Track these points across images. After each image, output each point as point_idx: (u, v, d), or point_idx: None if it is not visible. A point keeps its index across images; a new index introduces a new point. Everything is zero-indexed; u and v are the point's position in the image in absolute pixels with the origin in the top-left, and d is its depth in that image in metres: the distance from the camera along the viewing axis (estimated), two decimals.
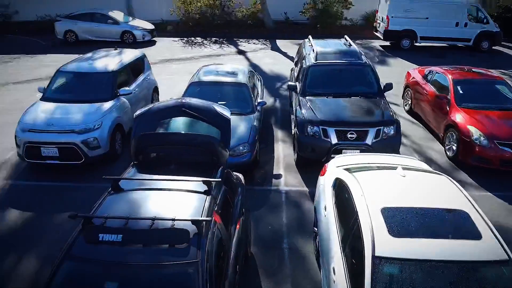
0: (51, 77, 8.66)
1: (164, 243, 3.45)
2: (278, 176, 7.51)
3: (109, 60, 9.01)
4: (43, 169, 7.47)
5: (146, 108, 5.39)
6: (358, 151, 7.11)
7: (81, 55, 9.77)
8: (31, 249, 5.57)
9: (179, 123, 6.81)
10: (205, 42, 19.16)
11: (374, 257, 3.53)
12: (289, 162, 7.98)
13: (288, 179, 7.43)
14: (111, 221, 3.57)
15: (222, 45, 18.56)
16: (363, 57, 9.08)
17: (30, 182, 7.22)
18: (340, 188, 4.85)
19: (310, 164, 7.46)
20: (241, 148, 7.06)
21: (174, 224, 3.53)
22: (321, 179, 5.61)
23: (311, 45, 9.59)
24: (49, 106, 7.76)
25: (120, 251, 3.39)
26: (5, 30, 21.23)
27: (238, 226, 4.66)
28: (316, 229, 5.38)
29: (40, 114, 7.51)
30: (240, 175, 5.75)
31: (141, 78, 9.63)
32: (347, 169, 5.05)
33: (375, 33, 18.72)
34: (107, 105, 7.85)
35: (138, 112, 5.32)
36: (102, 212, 3.77)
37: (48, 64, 14.32)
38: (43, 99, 8.05)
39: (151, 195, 4.12)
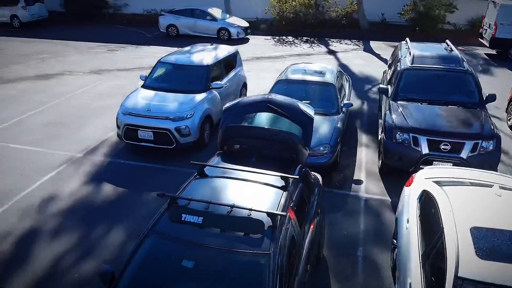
0: (152, 67, 9.40)
1: (240, 230, 3.57)
2: (359, 182, 7.29)
3: (205, 55, 9.51)
4: (138, 150, 8.16)
5: (235, 101, 5.59)
6: (451, 164, 6.60)
7: (180, 48, 10.46)
8: (120, 221, 6.14)
9: (263, 118, 6.95)
10: (296, 41, 19.23)
11: (456, 278, 3.28)
12: (371, 169, 7.70)
13: (369, 186, 7.18)
14: (194, 204, 3.79)
15: (313, 44, 18.47)
16: (465, 63, 8.38)
17: (125, 161, 7.94)
18: (426, 201, 4.57)
19: (395, 173, 7.12)
20: (321, 148, 6.98)
21: (250, 214, 3.64)
22: (406, 190, 5.33)
23: (408, 47, 9.10)
24: (149, 93, 8.43)
25: (199, 232, 3.59)
26: (115, 21, 23.60)
27: (312, 226, 4.63)
28: (395, 241, 5.13)
29: (140, 100, 8.20)
30: (318, 176, 5.69)
31: (232, 73, 10.00)
32: (436, 182, 4.74)
33: (480, 40, 17.14)
34: (200, 96, 8.30)
35: (227, 105, 5.54)
36: (187, 194, 4.01)
37: (150, 55, 15.54)
38: (144, 86, 8.77)
39: (231, 184, 4.28)
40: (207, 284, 3.48)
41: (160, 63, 9.24)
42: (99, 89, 12.11)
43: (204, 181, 4.37)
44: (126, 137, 7.95)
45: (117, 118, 8.11)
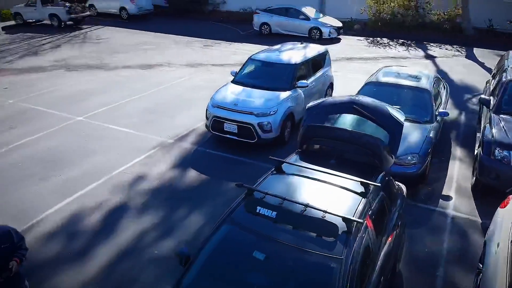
0: (242, 64, 9.69)
1: (313, 231, 3.53)
2: (448, 198, 6.75)
3: (293, 53, 9.55)
4: (222, 141, 8.49)
5: (319, 101, 5.52)
6: None
7: (271, 46, 10.62)
8: (200, 206, 6.44)
9: (347, 120, 6.76)
10: (391, 43, 18.38)
11: None
12: (463, 185, 7.08)
13: (458, 203, 6.61)
14: (269, 198, 3.84)
15: (409, 47, 17.48)
16: None
17: (210, 150, 8.31)
18: None
19: (489, 192, 6.46)
20: (409, 158, 6.60)
21: (325, 216, 3.57)
22: (500, 212, 4.82)
23: None
24: (237, 88, 8.71)
25: (272, 226, 3.63)
26: (212, 17, 24.75)
27: (390, 238, 4.41)
28: (480, 265, 4.66)
29: (228, 94, 8.51)
30: (403, 186, 5.39)
31: (319, 73, 9.90)
32: None
33: None
34: (285, 94, 8.36)
35: (311, 103, 5.49)
36: (263, 188, 4.07)
37: (242, 52, 16.01)
38: (233, 81, 9.08)
39: (308, 183, 4.25)
40: (276, 278, 3.50)
41: (250, 60, 9.49)
42: (193, 82, 12.82)
43: (281, 177, 4.40)
44: (213, 128, 8.31)
45: (206, 109, 8.52)
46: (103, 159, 7.85)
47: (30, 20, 22.55)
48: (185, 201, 6.60)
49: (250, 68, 9.37)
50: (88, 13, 22.97)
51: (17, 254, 3.84)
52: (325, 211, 3.60)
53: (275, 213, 3.65)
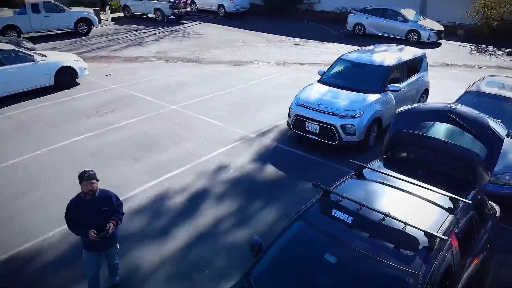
0: (331, 63, 9.55)
1: (391, 242, 3.38)
2: None
3: (387, 55, 9.16)
4: (302, 140, 8.48)
5: (411, 106, 5.25)
6: None
7: (363, 47, 10.31)
8: (275, 201, 6.52)
9: (440, 129, 6.31)
10: (497, 52, 16.73)
11: None
12: None
13: None
14: (346, 202, 3.75)
15: None
16: None
17: (290, 148, 8.36)
18: None
19: None
20: (507, 177, 5.98)
21: (405, 228, 3.40)
22: None
23: None
24: (323, 88, 8.62)
25: (346, 231, 3.54)
26: (306, 17, 24.75)
27: (476, 260, 4.05)
28: None
29: (313, 93, 8.46)
30: (497, 207, 4.91)
31: (414, 77, 9.38)
32: None
33: None
34: (373, 97, 8.07)
35: (401, 108, 5.24)
36: (340, 191, 3.99)
37: (332, 52, 15.77)
38: (320, 81, 9.00)
39: (390, 192, 4.07)
40: (346, 284, 3.43)
41: (340, 60, 9.32)
42: (279, 80, 12.97)
43: (360, 183, 4.27)
44: (295, 126, 8.34)
45: (290, 107, 8.57)
46: (191, 146, 8.33)
47: (137, 13, 24.69)
48: (262, 195, 6.74)
49: (339, 68, 9.20)
50: (188, 9, 24.48)
51: (115, 217, 4.30)
52: (406, 223, 3.42)
53: (351, 218, 3.56)
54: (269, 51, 16.91)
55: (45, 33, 18.75)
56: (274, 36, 19.80)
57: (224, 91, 11.75)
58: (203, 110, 10.25)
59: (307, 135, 8.16)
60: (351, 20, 20.23)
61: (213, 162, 7.74)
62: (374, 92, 8.17)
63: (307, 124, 8.05)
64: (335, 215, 3.63)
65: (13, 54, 10.73)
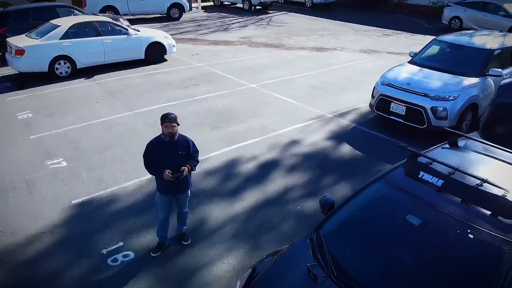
0: (424, 45, 8.84)
1: (487, 208, 2.92)
2: None
3: (489, 39, 8.23)
4: (384, 123, 7.95)
5: None
6: None
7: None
8: (349, 178, 6.14)
9: None
10: None
11: None
12: None
13: None
14: (437, 165, 3.32)
15: None
16: None
17: (369, 130, 7.89)
18: None
19: None
20: None
21: (506, 195, 2.91)
22: None
23: None
24: (413, 68, 7.98)
25: (434, 195, 3.14)
26: (397, 10, 23.49)
27: None
28: None
29: (402, 73, 7.87)
30: None
31: None
32: None
33: None
34: (470, 81, 7.28)
35: (506, 80, 4.60)
36: (431, 156, 3.56)
37: (423, 43, 14.67)
38: (411, 62, 8.35)
39: (487, 161, 3.55)
40: (430, 247, 3.03)
41: (435, 41, 8.59)
42: (363, 66, 12.39)
43: (454, 150, 3.79)
44: (378, 107, 7.83)
45: (374, 87, 8.07)
46: (266, 121, 8.24)
47: (226, 2, 25.36)
48: (334, 171, 6.41)
49: (433, 49, 8.47)
50: None
51: (190, 162, 4.33)
52: (506, 190, 2.94)
53: (442, 181, 3.13)
54: (355, 39, 16.28)
55: (140, 16, 20.04)
56: (362, 26, 19.05)
57: (303, 74, 11.51)
58: (281, 90, 10.12)
59: (391, 117, 7.60)
60: (448, 13, 18.81)
61: (286, 136, 7.56)
62: (471, 76, 7.36)
63: (392, 105, 7.49)
64: (423, 178, 3.24)
65: (109, 27, 11.55)
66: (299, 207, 5.47)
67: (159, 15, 20.61)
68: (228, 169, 6.42)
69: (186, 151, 4.33)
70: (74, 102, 9.23)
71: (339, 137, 7.59)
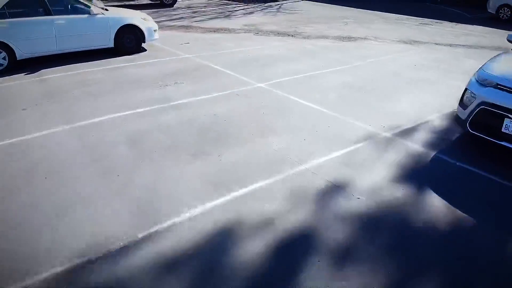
0: None
1: None
2: None
3: None
4: (490, 152, 4.71)
5: None
6: None
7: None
8: (452, 278, 2.93)
9: None
10: None
11: None
12: None
13: None
14: None
15: None
16: None
17: (464, 165, 4.57)
18: None
19: None
20: None
21: None
22: None
23: None
24: None
25: None
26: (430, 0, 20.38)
27: None
28: None
29: None
30: None
31: None
32: None
33: None
34: None
35: None
36: None
37: (473, 33, 11.66)
38: None
39: None
40: None
41: None
42: (411, 59, 9.16)
43: None
44: (476, 125, 4.58)
45: (466, 89, 4.83)
46: (282, 143, 5.02)
47: None
48: (425, 259, 3.17)
49: None
50: None
51: None
52: None
53: None
54: (388, 28, 13.06)
55: (129, 3, 16.97)
56: (391, 14, 15.86)
57: (331, 69, 8.29)
58: (302, 91, 6.90)
59: (503, 143, 4.35)
60: (494, 1, 15.70)
61: (319, 173, 4.33)
62: None
63: (507, 122, 4.25)
64: None
65: (64, 3, 8.35)
66: None
67: (151, 1, 17.56)
68: (214, 255, 3.19)
69: None
70: None
71: (414, 177, 4.32)
